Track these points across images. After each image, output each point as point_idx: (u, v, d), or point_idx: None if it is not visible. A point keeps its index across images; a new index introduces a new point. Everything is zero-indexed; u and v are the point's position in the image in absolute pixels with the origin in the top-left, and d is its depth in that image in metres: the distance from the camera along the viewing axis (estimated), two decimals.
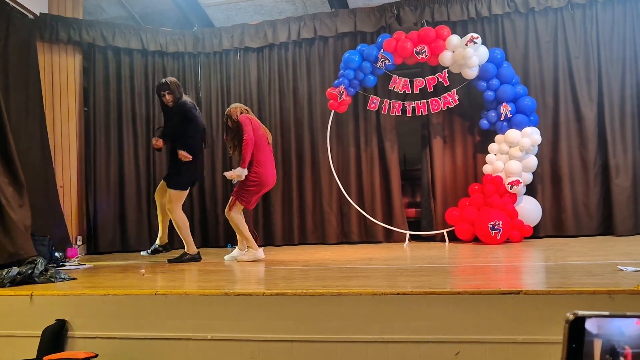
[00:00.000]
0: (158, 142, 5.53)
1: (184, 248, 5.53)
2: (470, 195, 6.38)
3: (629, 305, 2.45)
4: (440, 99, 6.43)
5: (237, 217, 5.27)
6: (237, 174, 5.22)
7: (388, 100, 6.62)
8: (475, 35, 6.18)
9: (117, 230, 7.26)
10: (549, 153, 6.46)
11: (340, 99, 6.60)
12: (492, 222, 5.86)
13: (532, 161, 6.16)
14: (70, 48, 7.16)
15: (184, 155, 5.31)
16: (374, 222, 6.80)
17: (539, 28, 6.58)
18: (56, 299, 3.24)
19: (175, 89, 5.49)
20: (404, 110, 6.59)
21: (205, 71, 7.73)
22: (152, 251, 6.09)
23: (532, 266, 4.03)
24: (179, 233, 5.57)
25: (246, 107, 5.59)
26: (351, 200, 6.84)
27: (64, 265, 5.25)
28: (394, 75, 6.57)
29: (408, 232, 6.70)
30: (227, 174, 5.35)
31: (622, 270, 3.34)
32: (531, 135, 6.06)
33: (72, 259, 5.80)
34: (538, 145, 6.20)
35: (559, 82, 6.48)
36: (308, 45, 7.36)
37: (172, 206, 5.39)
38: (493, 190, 6.13)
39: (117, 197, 7.30)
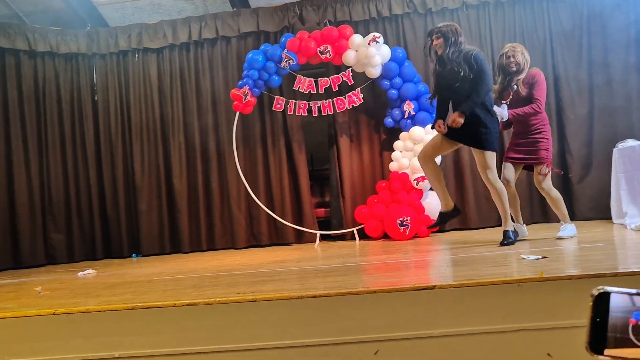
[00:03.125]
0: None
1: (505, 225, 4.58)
2: (378, 192, 6.48)
3: (537, 292, 2.54)
4: (345, 98, 6.48)
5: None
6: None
7: (293, 101, 6.59)
8: (377, 34, 6.28)
9: (7, 245, 6.73)
10: None
11: (244, 100, 6.49)
12: (401, 218, 5.98)
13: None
14: None
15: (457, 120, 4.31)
16: (284, 224, 6.75)
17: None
18: None
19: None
20: (309, 110, 6.59)
21: (101, 73, 7.35)
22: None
23: (442, 260, 4.13)
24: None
25: None
26: (260, 202, 6.74)
27: None
28: (298, 75, 6.55)
29: (318, 232, 6.70)
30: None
31: (524, 259, 3.48)
32: (434, 132, 6.22)
33: None
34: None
35: None
36: (210, 46, 7.19)
37: (488, 172, 4.44)
38: (400, 187, 6.25)
39: (7, 210, 6.77)
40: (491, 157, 4.44)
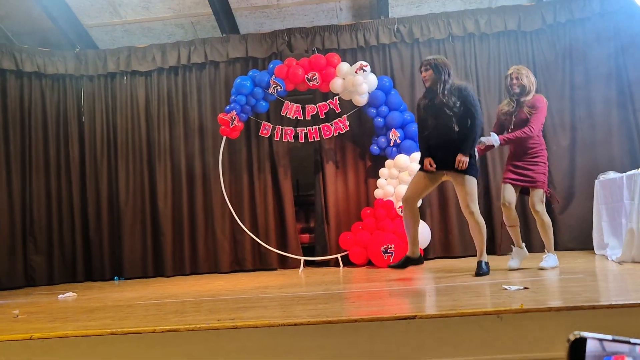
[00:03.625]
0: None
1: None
2: (362, 219, 6.50)
3: (516, 323, 2.55)
4: (331, 124, 6.54)
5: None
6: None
7: (280, 127, 6.63)
8: (364, 63, 6.37)
9: None
10: None
11: (232, 124, 6.52)
12: (385, 246, 6.00)
13: None
14: None
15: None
16: (268, 249, 6.74)
17: (423, 58, 6.88)
18: None
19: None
20: (296, 137, 6.63)
21: (88, 95, 7.36)
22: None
23: (424, 289, 4.13)
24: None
25: None
26: (244, 227, 6.73)
27: None
28: (286, 101, 6.60)
29: (302, 258, 6.69)
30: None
31: (506, 289, 3.50)
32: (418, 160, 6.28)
33: None
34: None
35: None
36: (198, 70, 7.24)
37: (472, 204, 4.52)
38: (385, 214, 6.28)
39: None
40: (475, 184, 4.51)
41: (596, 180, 5.70)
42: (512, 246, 4.89)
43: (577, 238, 6.33)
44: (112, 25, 7.35)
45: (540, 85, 6.69)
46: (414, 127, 6.40)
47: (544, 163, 4.74)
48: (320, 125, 6.55)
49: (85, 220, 7.17)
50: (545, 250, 4.84)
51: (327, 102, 6.57)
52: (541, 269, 4.59)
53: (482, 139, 4.65)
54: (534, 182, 4.68)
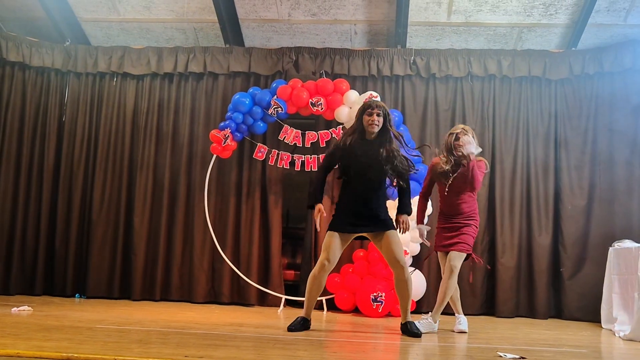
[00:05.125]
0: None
1: None
2: (354, 261, 6.50)
3: None
4: None
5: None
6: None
7: (276, 151, 6.69)
8: (374, 93, 6.46)
9: None
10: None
11: (224, 143, 6.58)
12: (375, 294, 6.01)
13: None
14: None
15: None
16: (248, 283, 6.73)
17: (438, 95, 7.01)
18: None
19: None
20: (292, 163, 6.69)
21: (73, 92, 7.43)
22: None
23: (413, 346, 4.14)
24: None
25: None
26: (225, 256, 6.74)
27: None
28: (285, 125, 6.68)
29: (284, 297, 6.67)
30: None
31: (501, 356, 3.52)
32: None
33: None
34: (428, 216, 6.48)
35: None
36: (195, 80, 7.32)
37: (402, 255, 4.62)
38: (378, 259, 6.29)
39: None
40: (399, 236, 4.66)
41: (610, 248, 5.75)
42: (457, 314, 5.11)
43: (585, 307, 6.36)
44: (109, 21, 7.45)
45: (561, 138, 6.82)
46: (420, 169, 6.45)
47: (475, 227, 4.96)
48: (320, 155, 6.59)
49: (52, 229, 7.15)
50: (429, 313, 5.02)
51: (330, 130, 6.64)
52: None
53: (420, 227, 5.13)
54: (461, 246, 4.83)
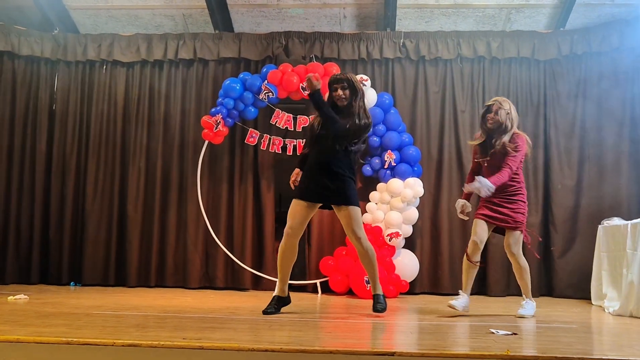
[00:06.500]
0: None
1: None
2: (347, 244, 6.55)
3: None
4: None
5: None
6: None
7: (268, 136, 6.72)
8: (365, 77, 6.49)
9: None
10: (430, 207, 6.84)
11: (216, 129, 6.60)
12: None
13: (413, 214, 6.49)
14: None
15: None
16: (242, 267, 6.78)
17: (428, 77, 7.05)
18: None
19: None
20: (284, 148, 6.72)
21: (63, 81, 7.41)
22: None
23: (407, 325, 4.21)
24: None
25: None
26: (219, 241, 6.78)
27: None
28: (276, 110, 6.70)
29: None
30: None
31: (493, 333, 3.59)
32: (414, 187, 6.39)
33: None
34: (420, 198, 6.55)
35: (444, 135, 6.94)
36: (185, 67, 7.32)
37: (360, 230, 4.59)
38: (371, 241, 6.33)
39: None
40: (359, 213, 4.59)
41: (600, 226, 5.84)
42: (460, 291, 4.74)
43: (575, 285, 6.45)
44: (97, 9, 7.41)
45: (550, 119, 6.86)
46: (411, 151, 6.51)
47: (524, 202, 4.68)
48: None
49: (47, 218, 7.17)
50: (522, 296, 4.84)
51: None
52: (520, 317, 4.60)
53: (468, 186, 4.62)
54: (511, 222, 4.64)
